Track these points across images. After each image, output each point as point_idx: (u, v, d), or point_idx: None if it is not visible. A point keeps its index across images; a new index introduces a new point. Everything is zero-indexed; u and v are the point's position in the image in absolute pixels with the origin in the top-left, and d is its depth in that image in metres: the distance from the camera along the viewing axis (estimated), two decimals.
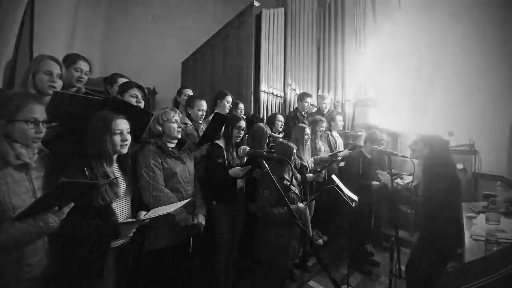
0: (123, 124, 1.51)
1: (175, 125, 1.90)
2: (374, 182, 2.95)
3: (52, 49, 2.95)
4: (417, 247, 2.27)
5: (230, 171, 2.23)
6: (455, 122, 3.91)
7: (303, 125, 3.10)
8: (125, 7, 6.48)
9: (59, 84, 1.65)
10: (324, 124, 3.42)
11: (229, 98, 3.09)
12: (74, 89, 1.99)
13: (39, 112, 1.25)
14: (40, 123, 1.25)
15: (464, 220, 2.30)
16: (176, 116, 1.92)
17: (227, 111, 3.07)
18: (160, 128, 1.88)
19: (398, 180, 2.97)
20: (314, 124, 3.35)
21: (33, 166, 1.26)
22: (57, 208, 1.18)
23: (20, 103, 1.22)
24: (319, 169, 3.04)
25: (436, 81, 4.27)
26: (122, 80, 2.45)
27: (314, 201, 3.10)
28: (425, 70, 4.42)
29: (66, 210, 1.20)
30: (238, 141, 2.49)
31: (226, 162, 2.34)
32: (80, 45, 5.06)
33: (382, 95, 4.71)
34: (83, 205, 1.31)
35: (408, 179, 3.30)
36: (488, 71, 3.77)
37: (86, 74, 2.04)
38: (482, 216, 2.23)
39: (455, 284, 0.87)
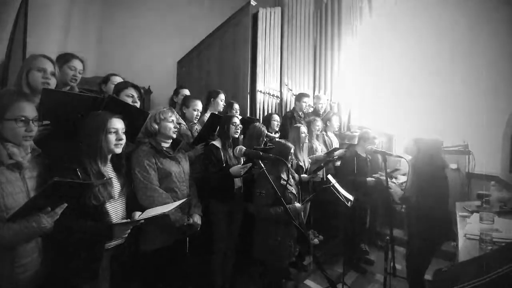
0: (118, 124, 1.50)
1: (171, 125, 1.90)
2: (369, 179, 2.98)
3: (45, 48, 2.92)
4: (410, 243, 2.35)
5: (231, 169, 2.23)
6: (449, 122, 3.94)
7: (299, 124, 3.11)
8: (120, 6, 6.41)
9: (52, 82, 1.63)
10: (320, 124, 3.43)
11: (222, 96, 3.11)
12: (68, 87, 1.97)
13: (28, 110, 1.23)
14: (31, 121, 1.22)
15: (458, 219, 2.32)
16: (173, 116, 1.93)
17: (221, 109, 3.08)
18: (156, 127, 1.88)
19: (393, 180, 2.99)
20: (309, 124, 3.37)
21: (26, 166, 1.24)
22: (49, 208, 1.16)
23: (8, 101, 1.20)
24: (314, 170, 3.05)
25: (432, 82, 4.31)
26: (115, 79, 2.43)
27: (310, 201, 3.11)
28: (422, 70, 4.46)
29: (59, 210, 1.18)
30: (236, 136, 2.49)
31: (224, 162, 2.34)
32: (74, 44, 4.98)
33: (376, 95, 4.74)
34: (76, 205, 1.29)
35: (402, 179, 3.33)
36: (482, 71, 3.81)
37: (80, 73, 2.02)
38: (476, 216, 2.25)
39: (449, 283, 0.87)
